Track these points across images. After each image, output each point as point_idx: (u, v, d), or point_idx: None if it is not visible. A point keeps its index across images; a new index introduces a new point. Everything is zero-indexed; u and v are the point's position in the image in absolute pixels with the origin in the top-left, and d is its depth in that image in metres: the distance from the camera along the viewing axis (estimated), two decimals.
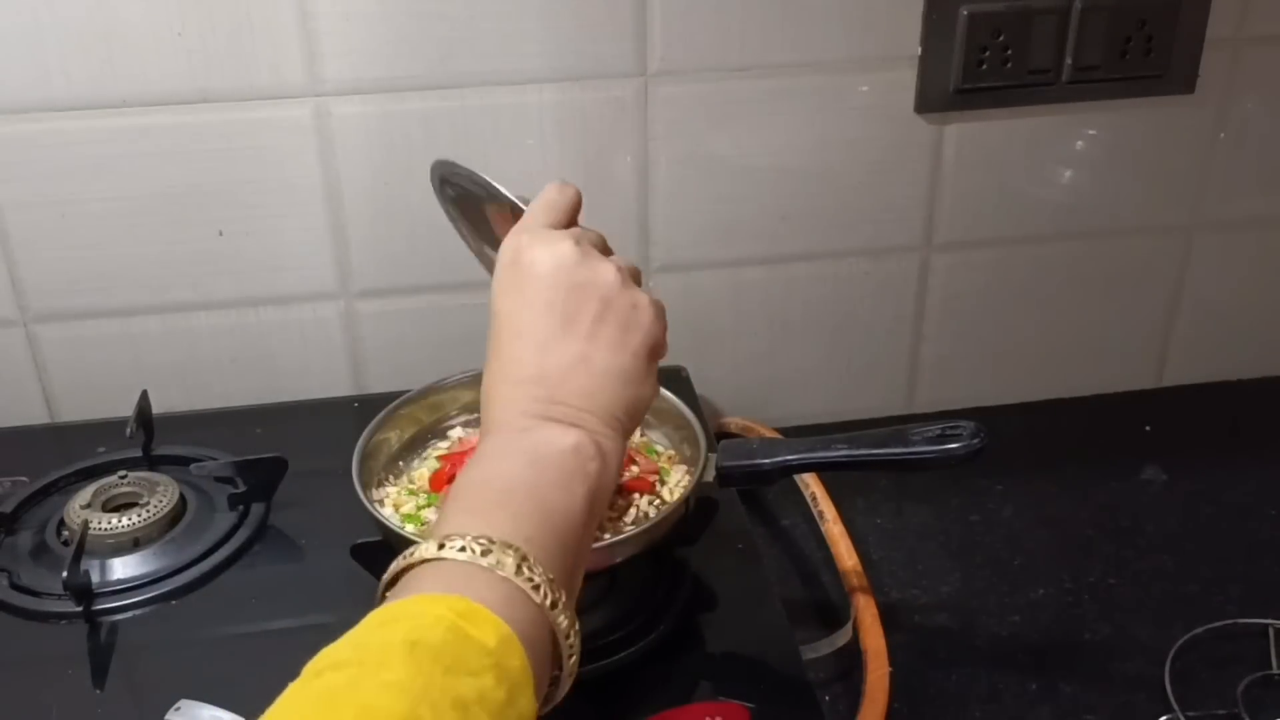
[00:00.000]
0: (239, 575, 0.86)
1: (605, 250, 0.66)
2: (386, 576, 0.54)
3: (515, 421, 0.60)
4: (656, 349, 0.65)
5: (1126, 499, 1.03)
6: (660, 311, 0.65)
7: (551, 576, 0.53)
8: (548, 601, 0.52)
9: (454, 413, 0.90)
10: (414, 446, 0.88)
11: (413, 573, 0.53)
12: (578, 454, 0.58)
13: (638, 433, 0.87)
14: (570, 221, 0.67)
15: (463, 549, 0.51)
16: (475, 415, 0.90)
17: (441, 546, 0.52)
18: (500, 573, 0.51)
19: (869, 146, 1.02)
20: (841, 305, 1.09)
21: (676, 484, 0.82)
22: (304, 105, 0.94)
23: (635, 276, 0.66)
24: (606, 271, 0.63)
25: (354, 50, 0.93)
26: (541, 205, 0.66)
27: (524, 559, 0.52)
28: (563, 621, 0.53)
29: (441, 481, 0.82)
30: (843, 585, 0.88)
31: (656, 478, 0.82)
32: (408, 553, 0.53)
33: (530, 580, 0.52)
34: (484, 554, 0.51)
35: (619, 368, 0.62)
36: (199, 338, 1.02)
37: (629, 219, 1.02)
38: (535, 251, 0.63)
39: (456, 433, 0.89)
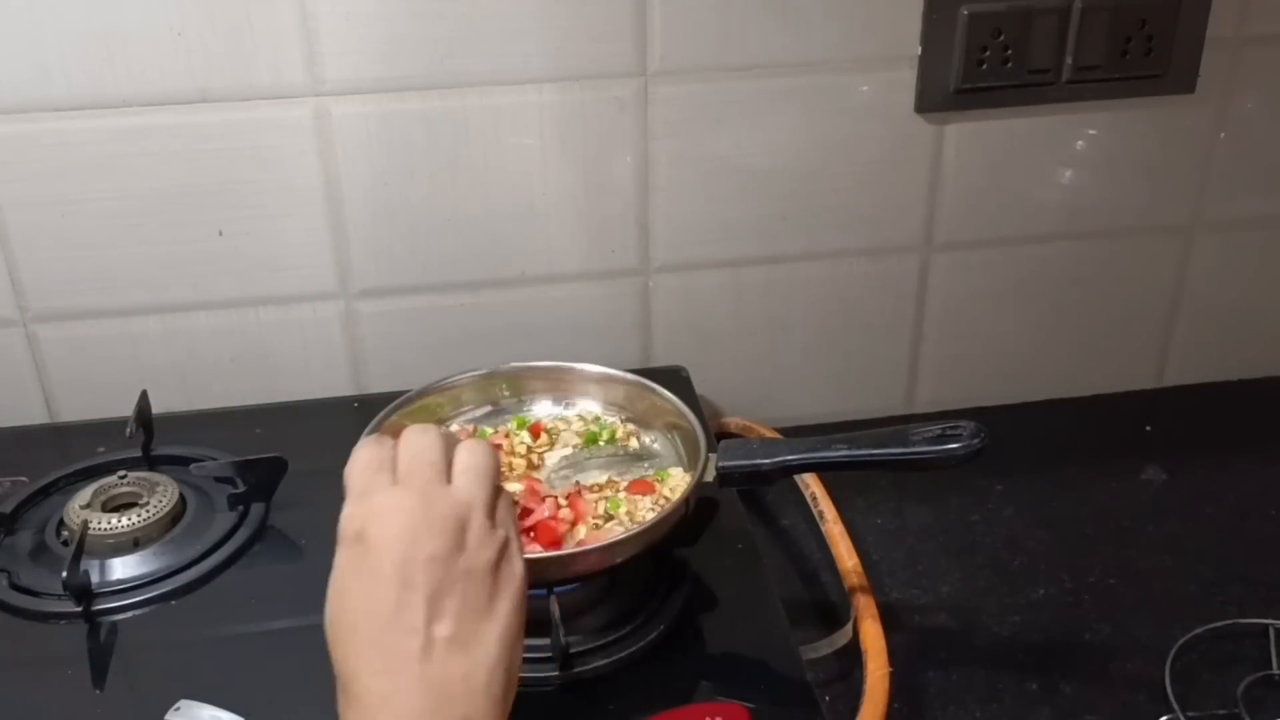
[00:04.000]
0: (239, 575, 0.86)
1: (441, 448, 0.61)
2: None
3: None
4: (524, 595, 0.59)
5: (1126, 499, 1.03)
6: (520, 554, 0.60)
7: None
8: None
9: (454, 413, 0.90)
10: None
11: None
12: None
13: (635, 439, 0.87)
14: (395, 461, 0.61)
15: None
16: (474, 413, 0.91)
17: None
18: None
19: (869, 146, 1.02)
20: (841, 305, 1.09)
21: (676, 484, 0.82)
22: (304, 105, 0.94)
23: (486, 474, 0.60)
24: (463, 534, 0.57)
25: (354, 50, 0.93)
26: (363, 465, 0.61)
27: None
28: None
29: None
30: (843, 585, 0.88)
31: (655, 478, 0.83)
32: None
33: None
34: None
35: (490, 635, 0.57)
36: (199, 338, 1.02)
37: (629, 219, 1.02)
38: (382, 525, 0.57)
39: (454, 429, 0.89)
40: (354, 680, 0.55)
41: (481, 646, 0.56)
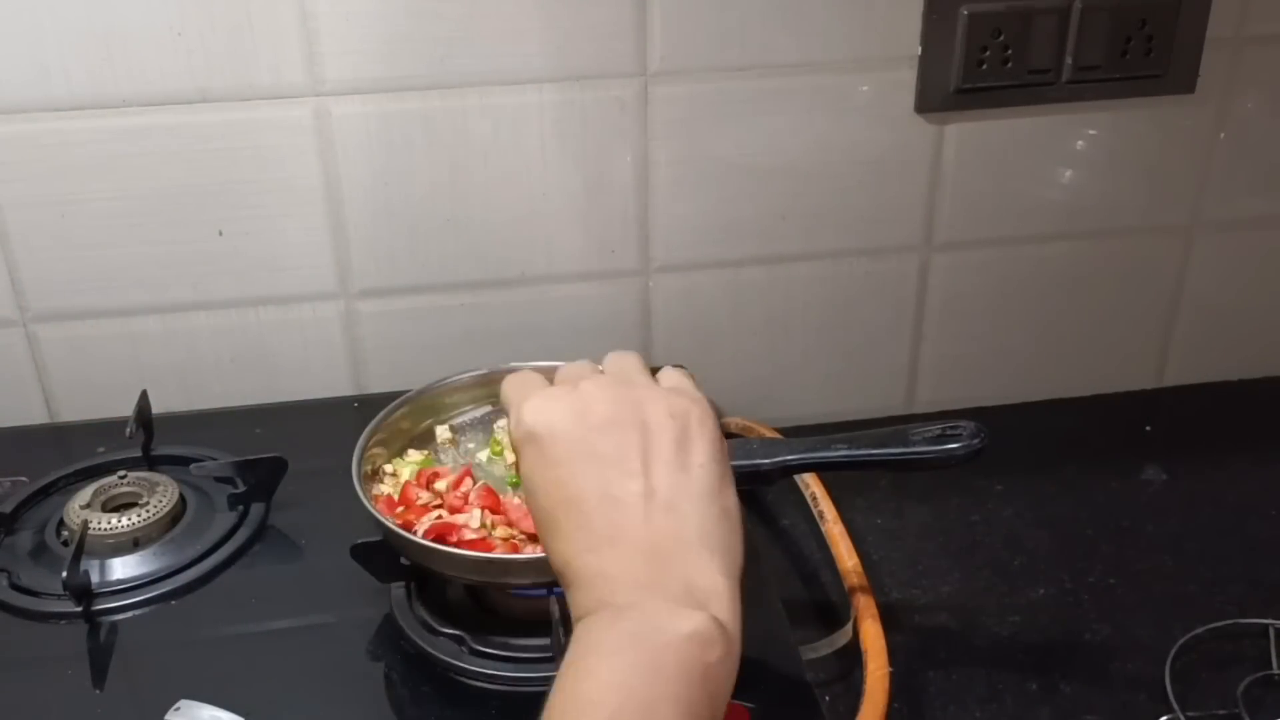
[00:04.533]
0: (239, 575, 0.86)
1: (592, 367, 0.61)
2: None
3: (614, 597, 0.52)
4: (719, 451, 0.57)
5: (1126, 499, 1.02)
6: (706, 406, 0.58)
7: None
8: None
9: (454, 413, 0.90)
10: (414, 446, 0.88)
11: None
12: (697, 641, 0.50)
13: None
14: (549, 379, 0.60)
15: None
16: (473, 413, 0.90)
17: None
18: None
19: (869, 146, 1.02)
20: (841, 305, 1.09)
21: None
22: (304, 105, 0.94)
23: (646, 367, 0.60)
24: (625, 393, 0.57)
25: (354, 50, 0.93)
26: (518, 384, 0.60)
27: None
28: None
29: (409, 499, 0.82)
30: (843, 585, 0.88)
31: None
32: None
33: None
34: None
35: (691, 489, 0.54)
36: (199, 338, 1.02)
37: (629, 219, 1.02)
38: (546, 414, 0.56)
39: (443, 432, 0.89)
40: (566, 567, 0.54)
41: (687, 500, 0.54)
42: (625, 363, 0.61)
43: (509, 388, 0.60)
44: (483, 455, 0.88)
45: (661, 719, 0.47)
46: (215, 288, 1.00)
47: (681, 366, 1.05)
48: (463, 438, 0.90)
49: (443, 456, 0.88)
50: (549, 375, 0.61)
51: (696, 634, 0.49)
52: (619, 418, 0.55)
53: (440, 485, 0.83)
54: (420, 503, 0.81)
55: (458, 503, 0.80)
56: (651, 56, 0.96)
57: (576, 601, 0.54)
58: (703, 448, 0.56)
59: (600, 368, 0.61)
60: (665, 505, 0.53)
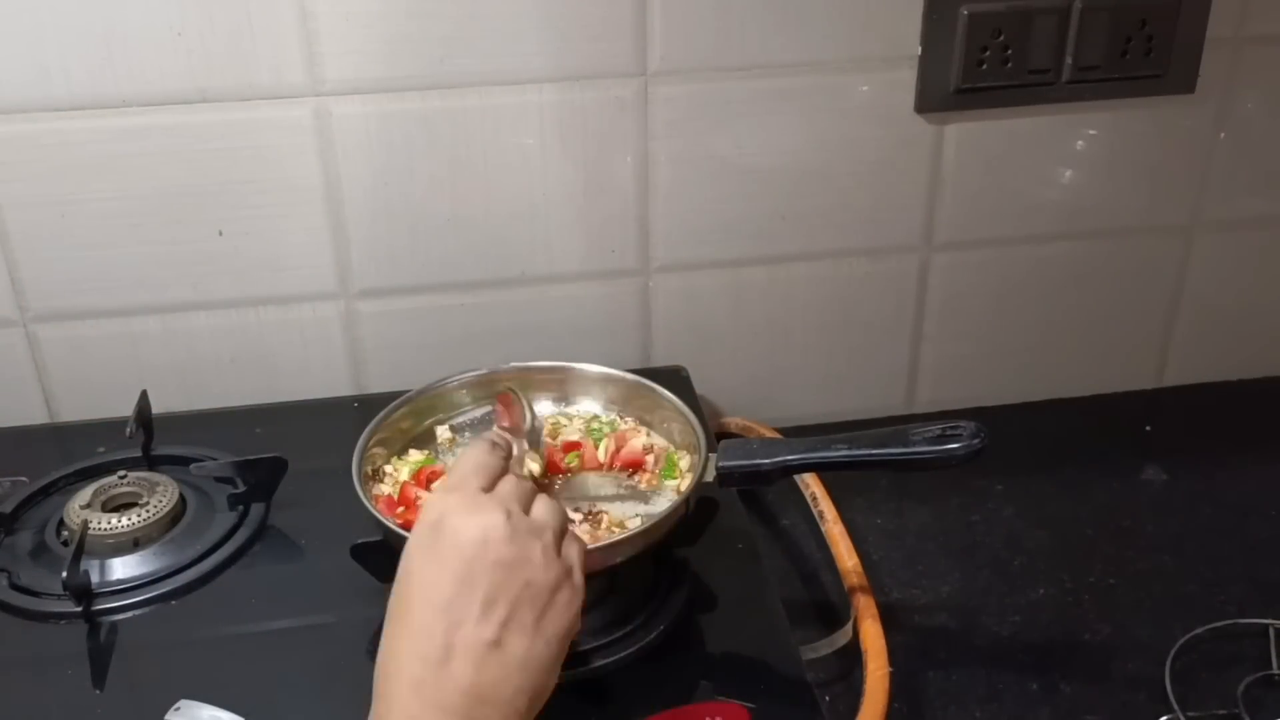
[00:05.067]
0: (239, 575, 0.86)
1: (532, 496, 0.64)
2: None
3: (411, 708, 0.57)
4: (571, 632, 0.62)
5: (1126, 499, 1.03)
6: (580, 592, 0.62)
7: None
8: None
9: (454, 413, 0.90)
10: (414, 446, 0.88)
11: None
12: None
13: (644, 434, 0.87)
14: (499, 476, 0.64)
15: None
16: (474, 413, 0.90)
17: None
18: None
19: (869, 146, 1.02)
20: (841, 305, 1.09)
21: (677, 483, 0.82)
22: (304, 105, 0.94)
23: (562, 531, 0.63)
24: (534, 550, 0.60)
25: (354, 50, 0.93)
26: (472, 466, 0.64)
27: None
28: None
29: (409, 499, 0.82)
30: (843, 585, 0.88)
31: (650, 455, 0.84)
32: None
33: None
34: None
35: (533, 658, 0.59)
36: (199, 338, 1.02)
37: (629, 219, 1.02)
38: (461, 520, 0.60)
39: (443, 432, 0.89)
40: (392, 659, 0.58)
41: (517, 661, 0.58)
42: (553, 511, 0.64)
43: (459, 467, 0.64)
44: None
45: None
46: (215, 288, 1.00)
47: (681, 367, 1.06)
48: (463, 438, 0.90)
49: (443, 456, 0.88)
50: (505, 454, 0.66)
51: None
52: (510, 566, 0.59)
53: (439, 484, 0.83)
54: (420, 502, 0.81)
55: None
56: (651, 56, 0.96)
57: (385, 688, 0.58)
58: (557, 625, 0.60)
59: (535, 471, 0.68)
60: (503, 663, 0.58)
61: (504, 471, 0.65)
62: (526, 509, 0.63)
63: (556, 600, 0.60)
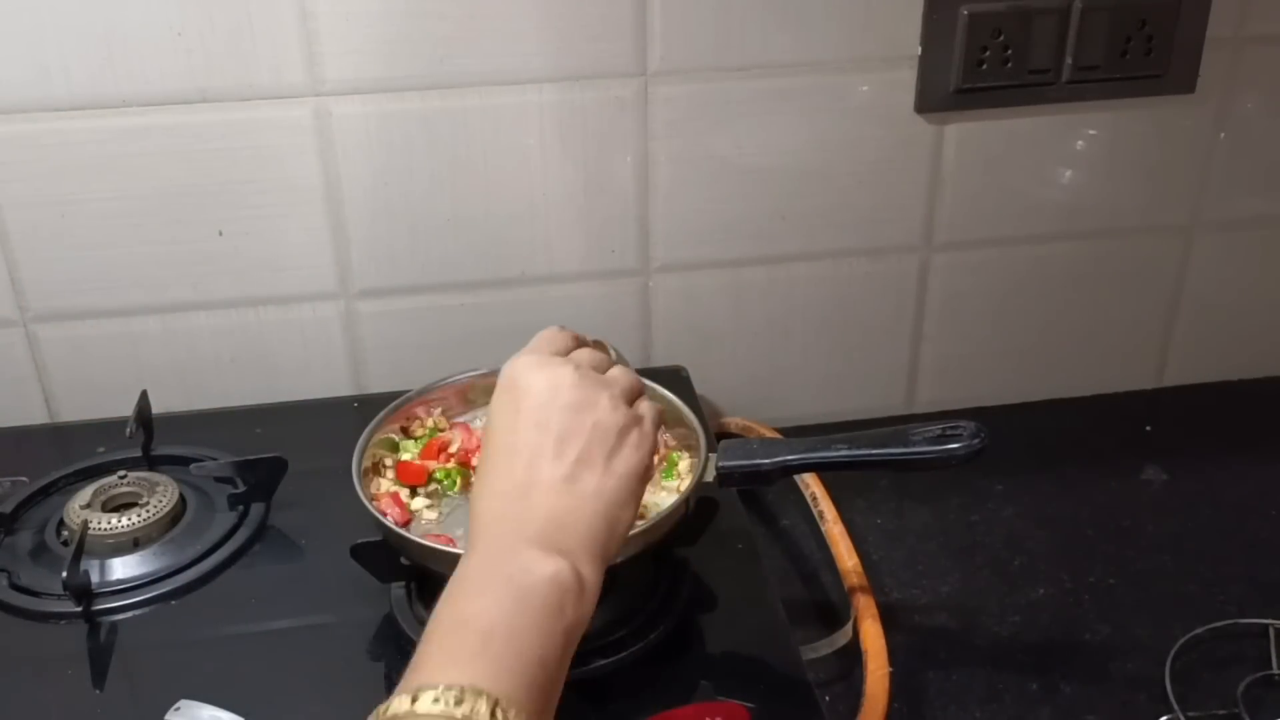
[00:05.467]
0: (239, 575, 0.86)
1: (607, 366, 0.69)
2: None
3: (498, 541, 0.61)
4: (645, 473, 0.66)
5: (1126, 499, 1.03)
6: (650, 439, 0.66)
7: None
8: None
9: (454, 413, 0.90)
10: None
11: None
12: (557, 585, 0.59)
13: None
14: (570, 350, 0.69)
15: (436, 700, 0.52)
16: (474, 413, 0.90)
17: (415, 699, 0.53)
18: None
19: (869, 146, 1.02)
20: (841, 305, 1.09)
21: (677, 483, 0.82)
22: (304, 105, 0.94)
23: (634, 391, 0.68)
24: (601, 396, 0.65)
25: (354, 50, 0.93)
26: (543, 337, 0.69)
27: (496, 704, 0.53)
28: None
29: (413, 474, 0.82)
30: (843, 585, 0.88)
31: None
32: (381, 708, 0.54)
33: None
34: (457, 703, 0.52)
35: (605, 491, 0.63)
36: (199, 338, 1.02)
37: (629, 219, 1.02)
38: (532, 375, 0.65)
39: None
40: (479, 500, 0.64)
41: (590, 493, 0.63)
42: (627, 374, 0.69)
43: (536, 339, 0.70)
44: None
45: (524, 642, 0.56)
46: (215, 288, 1.00)
47: (681, 367, 1.06)
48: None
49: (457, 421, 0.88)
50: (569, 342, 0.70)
51: (556, 578, 0.59)
52: (578, 409, 0.64)
53: (453, 448, 0.84)
54: (439, 462, 0.83)
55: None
56: (651, 56, 0.96)
57: (473, 527, 0.63)
58: (628, 464, 0.64)
59: (591, 346, 0.71)
60: (577, 494, 0.63)
61: (575, 346, 0.70)
62: (600, 371, 0.68)
63: (626, 441, 0.64)
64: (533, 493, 0.62)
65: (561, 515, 0.62)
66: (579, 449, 0.63)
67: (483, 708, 0.52)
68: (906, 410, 1.16)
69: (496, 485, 0.63)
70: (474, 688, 0.53)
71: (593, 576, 0.61)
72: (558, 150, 0.99)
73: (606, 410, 0.64)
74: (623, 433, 0.64)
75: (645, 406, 0.68)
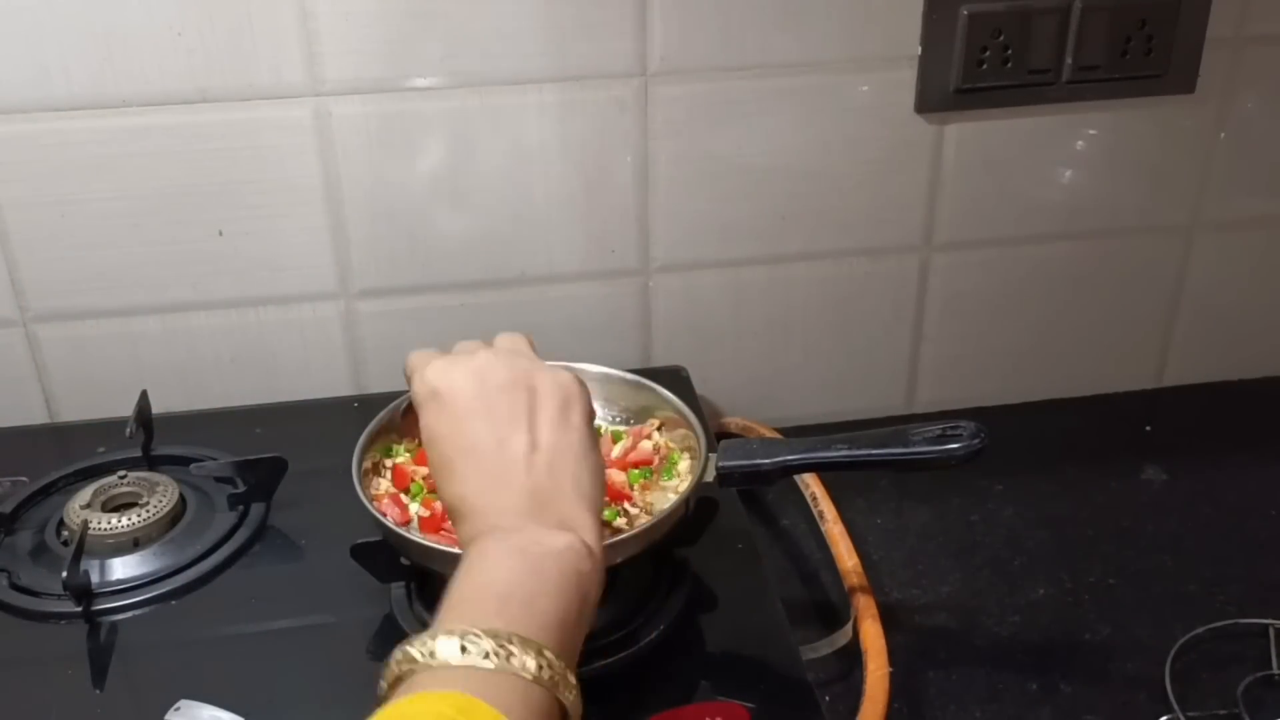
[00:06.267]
0: (239, 575, 0.86)
1: (484, 342, 0.70)
2: (387, 677, 0.54)
3: (500, 523, 0.61)
4: (591, 415, 0.67)
5: (1126, 499, 1.03)
6: (580, 380, 0.67)
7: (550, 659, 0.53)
8: (549, 678, 0.53)
9: None
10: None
11: (414, 675, 0.53)
12: (571, 553, 0.59)
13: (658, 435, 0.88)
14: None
15: (463, 649, 0.52)
16: None
17: (433, 653, 0.53)
18: (498, 666, 0.52)
19: (869, 146, 1.02)
20: (841, 305, 1.09)
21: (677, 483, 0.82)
22: (304, 105, 0.94)
23: (526, 345, 0.70)
24: (519, 361, 0.67)
25: (354, 50, 0.93)
26: (422, 354, 0.69)
27: (539, 648, 0.53)
28: (569, 696, 0.54)
29: (405, 478, 0.82)
30: (843, 585, 0.88)
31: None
32: (397, 658, 0.54)
33: (539, 668, 0.53)
34: (495, 645, 0.52)
35: (573, 444, 0.64)
36: (199, 338, 1.02)
37: (629, 219, 1.02)
38: (452, 375, 0.65)
39: None
40: (461, 503, 0.63)
41: (559, 452, 0.63)
42: (515, 341, 0.71)
43: (412, 358, 0.70)
44: None
45: (541, 608, 0.56)
46: (215, 288, 1.00)
47: (681, 367, 1.06)
48: None
49: None
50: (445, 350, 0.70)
51: (570, 548, 0.59)
52: (513, 382, 0.65)
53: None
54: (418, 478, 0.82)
55: None
56: (651, 56, 0.96)
57: (466, 530, 0.62)
58: (580, 411, 0.66)
59: (491, 344, 0.71)
60: (547, 459, 0.63)
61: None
62: (488, 344, 0.70)
63: (569, 393, 0.66)
64: (510, 476, 0.62)
65: (541, 482, 0.62)
66: (529, 418, 0.64)
67: (517, 651, 0.52)
68: (906, 410, 1.16)
69: (470, 485, 0.63)
70: (491, 631, 0.53)
71: (594, 534, 0.62)
72: (558, 150, 0.99)
73: (531, 371, 0.66)
74: (555, 385, 0.65)
75: (542, 361, 0.69)
